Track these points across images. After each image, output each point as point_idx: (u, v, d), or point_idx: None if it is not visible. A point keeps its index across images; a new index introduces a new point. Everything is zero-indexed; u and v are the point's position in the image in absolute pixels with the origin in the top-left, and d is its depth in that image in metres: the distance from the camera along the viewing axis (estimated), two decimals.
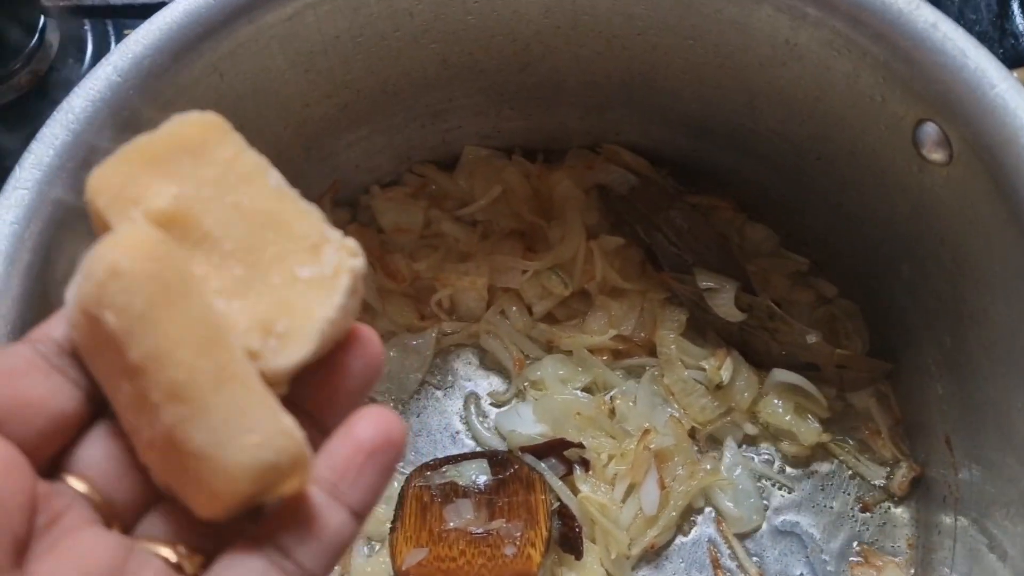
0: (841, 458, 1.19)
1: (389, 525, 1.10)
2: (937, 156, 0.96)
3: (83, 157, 0.90)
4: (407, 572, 1.03)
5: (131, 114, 0.92)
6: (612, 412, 1.20)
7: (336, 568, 1.13)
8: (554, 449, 1.14)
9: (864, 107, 1.01)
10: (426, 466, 1.15)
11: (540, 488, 1.12)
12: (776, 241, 1.28)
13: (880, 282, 1.17)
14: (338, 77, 1.09)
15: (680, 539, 1.17)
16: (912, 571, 1.14)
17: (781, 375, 1.18)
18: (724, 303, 1.18)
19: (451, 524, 1.09)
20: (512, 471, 1.13)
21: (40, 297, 0.87)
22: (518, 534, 1.07)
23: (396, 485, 1.16)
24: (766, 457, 1.20)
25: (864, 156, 1.06)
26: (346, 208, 1.29)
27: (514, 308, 1.25)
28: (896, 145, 1.00)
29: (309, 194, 1.21)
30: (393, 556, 1.06)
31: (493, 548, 1.06)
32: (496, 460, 1.15)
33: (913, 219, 1.05)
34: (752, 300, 1.18)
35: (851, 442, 1.20)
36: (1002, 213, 0.91)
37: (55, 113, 0.90)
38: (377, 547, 1.16)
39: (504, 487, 1.12)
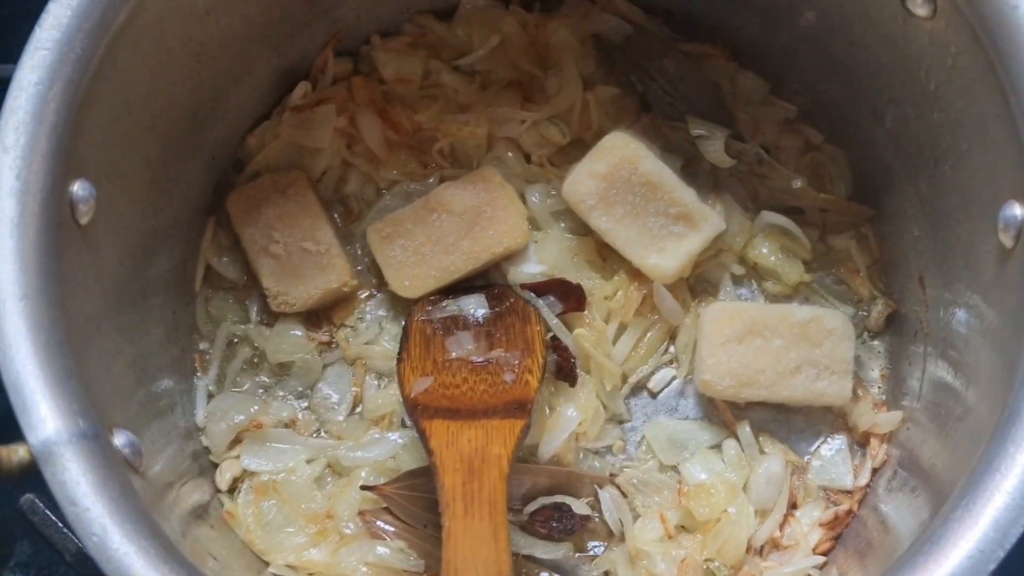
0: (817, 300, 1.26)
1: (396, 358, 1.18)
2: (921, 11, 1.00)
3: (99, 17, 0.94)
4: (415, 399, 1.12)
5: None
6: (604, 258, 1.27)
7: (348, 397, 1.22)
8: (553, 288, 1.22)
9: None
10: (427, 301, 1.22)
11: (535, 320, 1.20)
12: (766, 89, 1.32)
13: (864, 130, 1.22)
14: None
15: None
16: (884, 398, 1.24)
17: (769, 217, 1.25)
18: (715, 149, 1.23)
19: (453, 354, 1.17)
20: (508, 304, 1.21)
21: (67, 153, 0.91)
22: (516, 362, 1.15)
23: (401, 321, 1.24)
24: (750, 296, 1.28)
25: (853, 8, 1.09)
26: (348, 58, 1.32)
27: (510, 154, 1.30)
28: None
29: (312, 45, 1.25)
30: (401, 385, 1.15)
31: (493, 375, 1.15)
32: (493, 295, 1.22)
33: (898, 70, 1.09)
34: (741, 147, 1.23)
35: (829, 282, 1.27)
36: (981, 64, 0.95)
37: None
38: (386, 382, 1.24)
39: (501, 320, 1.20)
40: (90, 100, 0.94)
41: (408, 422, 1.17)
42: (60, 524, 1.24)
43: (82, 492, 0.83)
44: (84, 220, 0.95)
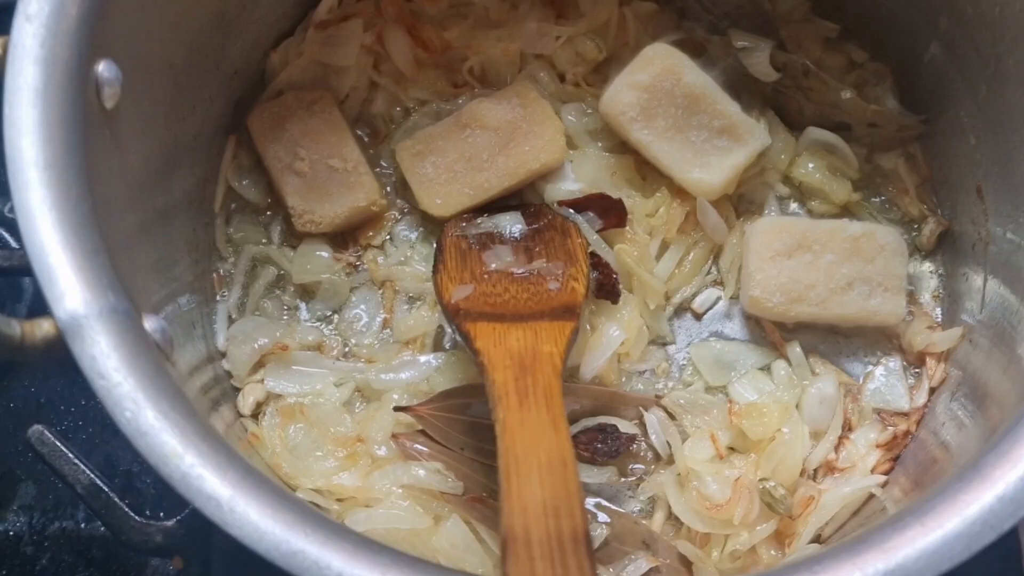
0: (866, 219, 1.21)
1: (431, 272, 1.12)
2: None
3: None
4: (456, 306, 1.06)
5: None
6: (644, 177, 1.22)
7: (377, 319, 1.16)
8: (593, 203, 1.16)
9: None
10: (460, 219, 1.17)
11: (576, 234, 1.14)
12: (807, 8, 1.27)
13: (915, 40, 1.17)
14: None
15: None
16: (939, 320, 1.18)
17: (815, 133, 1.20)
18: (759, 62, 1.18)
19: (492, 266, 1.11)
20: (546, 220, 1.15)
21: (94, 30, 0.86)
22: (560, 271, 1.09)
23: (432, 243, 1.19)
24: (795, 215, 1.23)
25: None
26: None
27: (542, 73, 1.25)
28: None
29: None
30: (440, 295, 1.08)
31: (536, 285, 1.09)
32: (529, 212, 1.17)
33: None
34: (787, 58, 1.19)
35: (878, 200, 1.22)
36: None
37: None
38: (417, 304, 1.18)
39: (540, 235, 1.14)
40: None
41: (449, 328, 1.11)
42: (71, 455, 1.17)
43: (112, 366, 0.76)
44: (109, 104, 0.89)
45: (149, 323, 0.84)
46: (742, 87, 1.22)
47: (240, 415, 1.12)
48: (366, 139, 1.24)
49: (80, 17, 0.86)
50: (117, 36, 0.91)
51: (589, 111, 1.23)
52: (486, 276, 1.10)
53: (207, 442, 0.77)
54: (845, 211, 1.22)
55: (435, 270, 1.11)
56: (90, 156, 0.85)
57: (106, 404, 0.76)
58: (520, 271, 1.10)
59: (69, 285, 0.78)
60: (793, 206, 1.23)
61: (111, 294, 0.79)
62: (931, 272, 1.21)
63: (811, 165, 1.20)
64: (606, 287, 1.13)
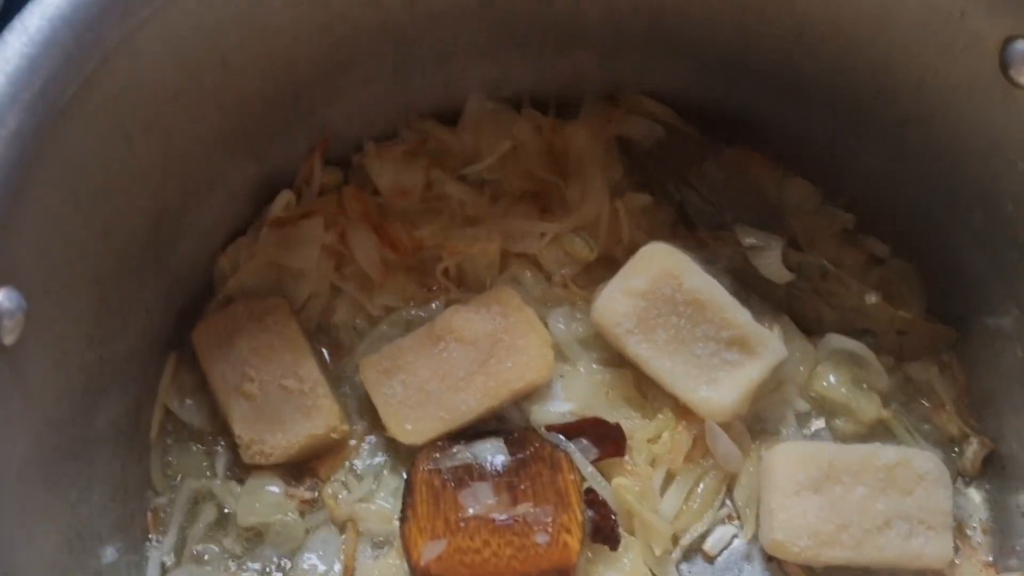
0: (901, 438, 1.06)
1: (398, 518, 0.96)
2: None
3: (40, 87, 0.77)
4: (427, 568, 0.90)
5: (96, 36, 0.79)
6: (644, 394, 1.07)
7: (336, 568, 1.00)
8: (586, 429, 1.01)
9: (938, 27, 0.89)
10: (433, 448, 1.01)
11: (568, 467, 0.99)
12: (819, 198, 1.15)
13: (944, 236, 1.05)
14: (334, 6, 0.95)
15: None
16: (989, 558, 1.02)
17: (837, 341, 1.06)
18: (771, 262, 1.06)
19: (470, 511, 0.95)
20: (532, 450, 1.00)
21: None
22: (549, 519, 0.94)
23: (402, 474, 1.03)
24: (818, 437, 1.07)
25: (934, 86, 0.94)
26: (336, 168, 1.14)
27: (527, 273, 1.12)
28: (975, 70, 0.89)
29: (297, 149, 1.09)
30: (407, 551, 0.93)
31: (522, 537, 0.93)
32: (512, 439, 1.02)
33: (992, 155, 0.93)
34: (802, 258, 1.06)
35: (910, 418, 1.08)
36: None
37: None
38: (384, 549, 1.01)
39: (525, 468, 0.99)
40: (26, 188, 0.76)
41: None
42: None
43: None
44: (9, 339, 0.76)
45: None
46: (751, 290, 1.08)
47: None
48: (326, 354, 1.10)
49: None
50: (25, 255, 0.78)
51: (579, 316, 1.09)
52: (462, 524, 0.94)
53: None
54: (875, 429, 1.07)
55: (403, 517, 0.95)
56: None
57: None
58: (502, 517, 0.94)
59: None
60: (816, 424, 1.08)
61: None
62: (977, 501, 1.05)
63: (833, 377, 1.07)
64: (603, 531, 0.97)
